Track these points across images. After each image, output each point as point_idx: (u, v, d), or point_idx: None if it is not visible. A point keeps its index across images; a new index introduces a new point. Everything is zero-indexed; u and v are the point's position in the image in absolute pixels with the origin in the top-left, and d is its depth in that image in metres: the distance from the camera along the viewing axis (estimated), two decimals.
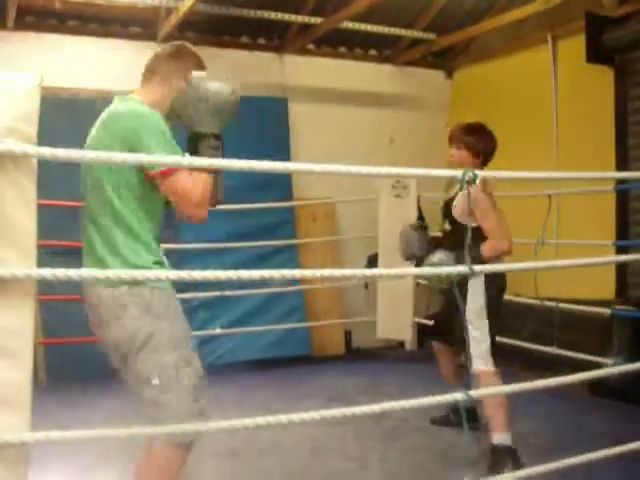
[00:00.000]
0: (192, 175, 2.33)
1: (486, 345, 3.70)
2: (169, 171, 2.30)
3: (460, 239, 3.29)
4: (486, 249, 3.72)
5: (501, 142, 6.75)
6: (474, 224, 3.67)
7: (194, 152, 2.37)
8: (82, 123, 5.66)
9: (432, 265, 3.61)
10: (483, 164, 3.92)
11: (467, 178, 2.11)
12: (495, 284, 3.77)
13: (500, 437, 3.62)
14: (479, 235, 3.72)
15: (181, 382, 2.34)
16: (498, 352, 3.82)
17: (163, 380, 2.32)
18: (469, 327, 3.53)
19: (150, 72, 2.62)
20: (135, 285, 2.30)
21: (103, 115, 2.52)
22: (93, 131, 2.53)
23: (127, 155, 2.12)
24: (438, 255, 3.73)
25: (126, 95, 2.58)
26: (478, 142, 3.89)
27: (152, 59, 2.64)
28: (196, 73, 2.43)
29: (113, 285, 2.30)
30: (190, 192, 2.33)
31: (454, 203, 3.90)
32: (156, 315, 2.35)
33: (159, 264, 2.43)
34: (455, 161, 3.91)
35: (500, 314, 3.84)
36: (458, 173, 2.14)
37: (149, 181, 2.38)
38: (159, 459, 2.33)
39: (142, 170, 2.35)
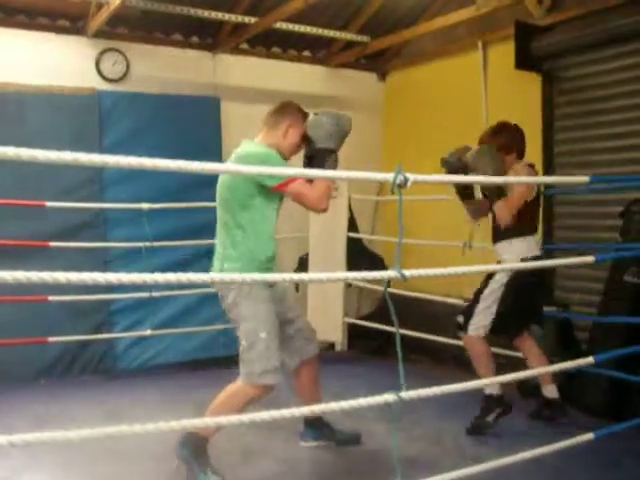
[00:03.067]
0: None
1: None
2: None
3: None
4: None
5: (432, 144, 6.84)
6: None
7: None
8: (10, 119, 5.57)
9: None
10: (520, 157, 4.35)
11: (398, 181, 2.13)
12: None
13: (490, 387, 4.14)
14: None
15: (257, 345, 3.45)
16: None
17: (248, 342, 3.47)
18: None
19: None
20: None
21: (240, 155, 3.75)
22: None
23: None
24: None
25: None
26: (508, 140, 4.30)
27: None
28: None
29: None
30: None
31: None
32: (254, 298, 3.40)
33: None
34: None
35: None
36: (389, 176, 2.15)
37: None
38: (239, 388, 3.50)
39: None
